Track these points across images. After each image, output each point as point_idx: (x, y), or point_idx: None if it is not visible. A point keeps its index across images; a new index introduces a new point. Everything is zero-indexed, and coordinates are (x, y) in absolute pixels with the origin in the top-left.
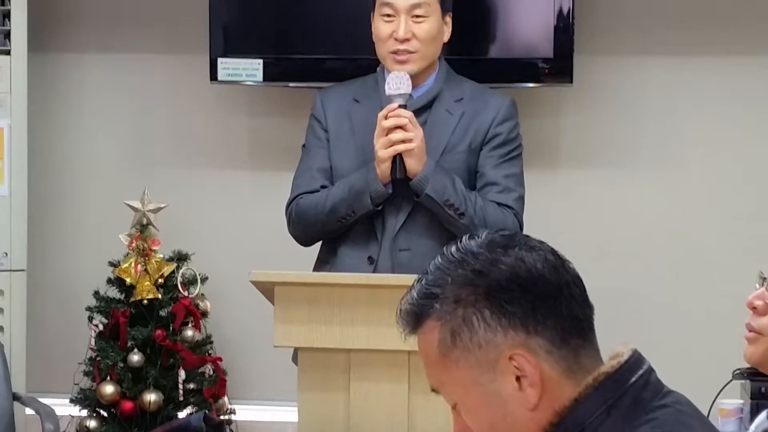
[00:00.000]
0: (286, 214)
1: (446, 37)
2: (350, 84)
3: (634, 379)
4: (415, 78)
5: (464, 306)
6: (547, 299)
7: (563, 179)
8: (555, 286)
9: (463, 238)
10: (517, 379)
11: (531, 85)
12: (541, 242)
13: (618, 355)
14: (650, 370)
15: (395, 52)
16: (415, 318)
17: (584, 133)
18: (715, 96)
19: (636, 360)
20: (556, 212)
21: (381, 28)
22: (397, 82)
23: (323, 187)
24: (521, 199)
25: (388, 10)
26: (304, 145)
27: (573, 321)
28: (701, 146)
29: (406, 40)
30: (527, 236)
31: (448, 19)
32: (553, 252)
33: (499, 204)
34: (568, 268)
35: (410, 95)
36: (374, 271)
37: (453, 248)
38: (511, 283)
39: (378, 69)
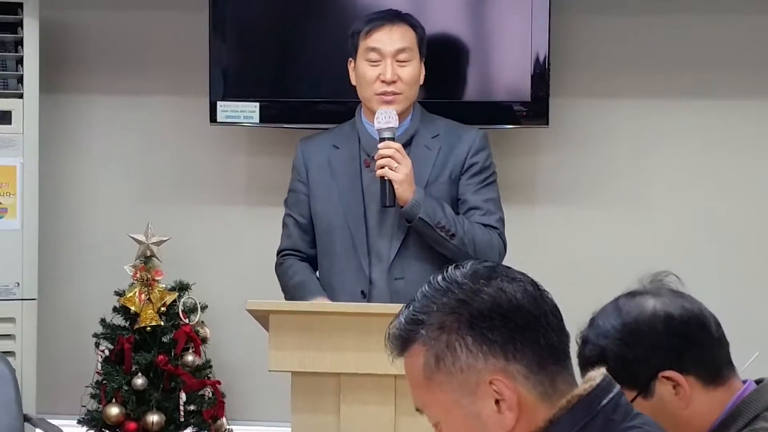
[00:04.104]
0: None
1: (422, 80)
2: (329, 132)
3: (605, 401)
4: None
5: (448, 332)
6: (526, 328)
7: (540, 214)
8: (534, 316)
9: (449, 268)
10: (496, 402)
11: (509, 126)
12: (522, 274)
13: (590, 379)
14: (620, 394)
15: (382, 94)
16: (402, 342)
17: (559, 171)
18: (680, 136)
19: (607, 384)
20: (534, 245)
21: (367, 71)
22: (386, 117)
23: (298, 251)
24: (502, 220)
25: (374, 56)
26: (288, 195)
27: (550, 348)
28: (668, 183)
29: (393, 82)
30: (509, 268)
31: (423, 64)
32: (533, 283)
33: (484, 225)
34: (547, 298)
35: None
36: (371, 301)
37: (439, 277)
38: (493, 312)
39: (357, 112)
